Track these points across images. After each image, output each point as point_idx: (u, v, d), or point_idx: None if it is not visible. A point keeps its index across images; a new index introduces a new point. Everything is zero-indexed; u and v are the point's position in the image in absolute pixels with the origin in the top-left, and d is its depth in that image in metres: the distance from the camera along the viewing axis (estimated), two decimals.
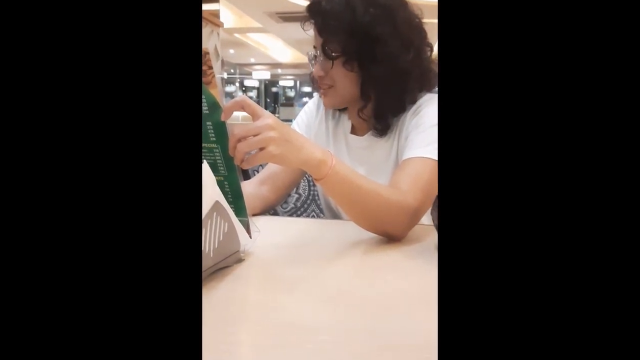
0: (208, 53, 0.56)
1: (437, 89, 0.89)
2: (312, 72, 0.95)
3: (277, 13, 6.86)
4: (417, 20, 0.85)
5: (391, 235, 0.71)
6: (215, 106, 0.57)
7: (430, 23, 0.87)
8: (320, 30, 0.82)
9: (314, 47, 0.86)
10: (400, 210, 0.69)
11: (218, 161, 0.60)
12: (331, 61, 0.82)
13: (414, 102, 0.86)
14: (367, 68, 0.81)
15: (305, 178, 1.19)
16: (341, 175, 0.64)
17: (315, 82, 0.95)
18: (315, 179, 0.64)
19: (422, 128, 0.81)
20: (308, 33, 0.86)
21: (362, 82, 0.83)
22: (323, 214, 1.08)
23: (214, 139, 0.59)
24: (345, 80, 0.84)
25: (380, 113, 0.87)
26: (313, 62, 0.87)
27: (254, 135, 0.57)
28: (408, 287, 0.54)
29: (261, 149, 0.58)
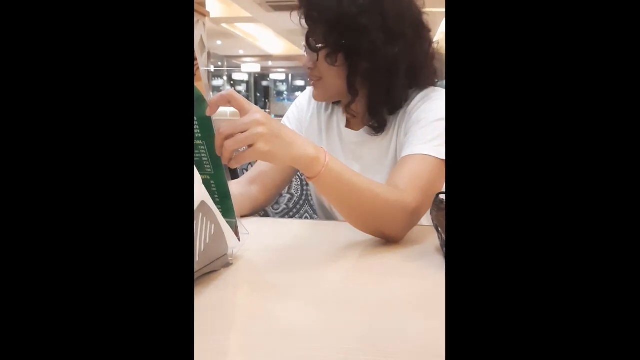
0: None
1: (441, 82, 0.90)
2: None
3: (267, 1, 6.85)
4: (413, 12, 0.84)
5: (389, 236, 0.72)
6: (200, 101, 0.57)
7: (431, 12, 0.88)
8: (305, 20, 0.82)
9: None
10: (398, 210, 0.69)
11: (204, 159, 0.60)
12: (316, 53, 0.83)
13: (407, 97, 0.86)
14: (352, 61, 0.82)
15: (297, 177, 1.19)
16: (335, 174, 0.65)
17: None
18: (308, 178, 0.64)
19: (423, 123, 0.81)
20: (299, 23, 0.87)
21: (347, 76, 0.84)
22: (317, 214, 1.08)
23: (199, 135, 0.59)
24: (330, 74, 0.84)
25: (373, 109, 0.87)
26: (305, 53, 0.88)
27: (242, 132, 0.57)
28: (407, 291, 0.54)
29: (249, 146, 0.57)
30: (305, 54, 0.88)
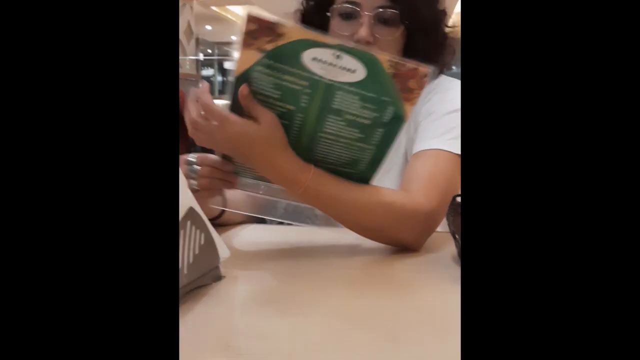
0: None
1: (450, 72, 0.90)
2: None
3: None
4: None
5: (404, 245, 0.71)
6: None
7: None
8: None
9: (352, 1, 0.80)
10: (408, 216, 0.69)
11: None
12: (371, 15, 0.78)
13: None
14: (414, 32, 0.81)
15: None
16: (315, 193, 0.66)
17: None
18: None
19: (435, 116, 0.81)
20: None
21: (404, 50, 0.83)
22: (318, 220, 1.07)
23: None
24: (390, 47, 0.80)
25: None
26: (349, 21, 0.81)
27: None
28: (420, 307, 0.54)
29: None
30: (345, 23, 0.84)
